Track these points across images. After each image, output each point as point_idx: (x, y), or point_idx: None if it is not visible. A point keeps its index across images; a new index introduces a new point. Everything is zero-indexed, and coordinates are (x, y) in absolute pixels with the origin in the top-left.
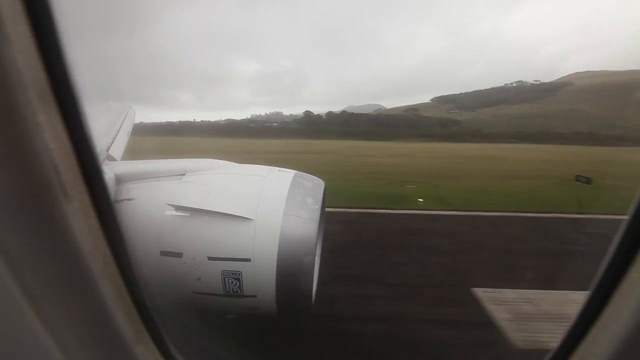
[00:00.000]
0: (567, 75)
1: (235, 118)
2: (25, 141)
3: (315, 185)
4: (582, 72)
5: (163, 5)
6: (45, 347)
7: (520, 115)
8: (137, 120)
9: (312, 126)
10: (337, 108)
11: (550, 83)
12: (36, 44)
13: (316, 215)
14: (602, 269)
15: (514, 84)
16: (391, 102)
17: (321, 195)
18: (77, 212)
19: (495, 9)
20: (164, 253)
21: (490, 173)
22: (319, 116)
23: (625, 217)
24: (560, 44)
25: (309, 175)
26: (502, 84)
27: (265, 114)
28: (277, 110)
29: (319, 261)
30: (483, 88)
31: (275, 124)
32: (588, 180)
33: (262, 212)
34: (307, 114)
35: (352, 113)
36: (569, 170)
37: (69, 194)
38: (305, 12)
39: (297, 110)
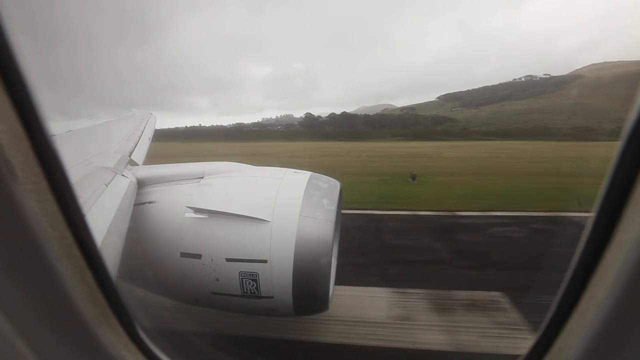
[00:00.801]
0: (582, 67)
1: (244, 122)
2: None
3: (331, 187)
4: (598, 64)
5: (175, 14)
6: (1, 331)
7: (522, 111)
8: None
9: (309, 128)
10: (350, 109)
11: (560, 77)
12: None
13: (332, 217)
14: (576, 259)
15: (523, 79)
16: (402, 101)
17: (337, 196)
18: (31, 193)
19: (509, 0)
20: (184, 254)
21: (379, 170)
22: (317, 118)
23: (591, 212)
24: (579, 35)
25: (325, 176)
26: (511, 79)
27: (276, 117)
28: (288, 113)
29: (335, 262)
30: (491, 84)
31: (270, 127)
32: (413, 177)
33: (278, 214)
34: (308, 116)
35: (345, 114)
36: (480, 167)
37: (19, 175)
38: (314, 14)
39: (311, 112)
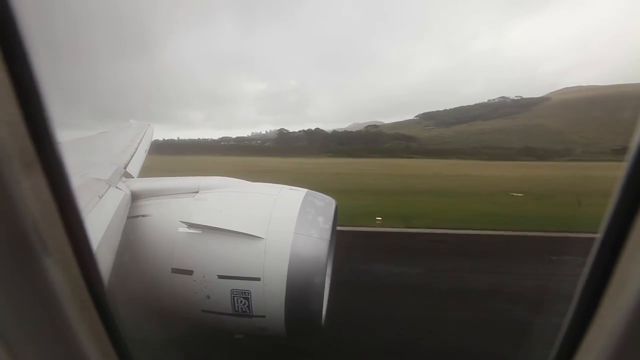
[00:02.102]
0: (556, 90)
1: (231, 136)
2: (7, 206)
3: (326, 205)
4: (572, 87)
5: (172, 30)
6: None
7: (484, 131)
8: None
9: (281, 144)
10: (342, 125)
11: (529, 99)
12: (23, 118)
13: (327, 235)
14: (592, 261)
15: (497, 100)
16: (392, 118)
17: (332, 215)
18: (57, 263)
19: (495, 27)
20: (175, 270)
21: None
22: (289, 134)
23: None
24: (561, 60)
25: (320, 194)
26: (486, 100)
27: (266, 132)
28: (279, 128)
29: (329, 281)
30: (466, 104)
31: (246, 142)
32: None
33: (272, 231)
34: (281, 131)
35: (310, 130)
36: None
37: (49, 248)
38: (308, 33)
39: (304, 127)
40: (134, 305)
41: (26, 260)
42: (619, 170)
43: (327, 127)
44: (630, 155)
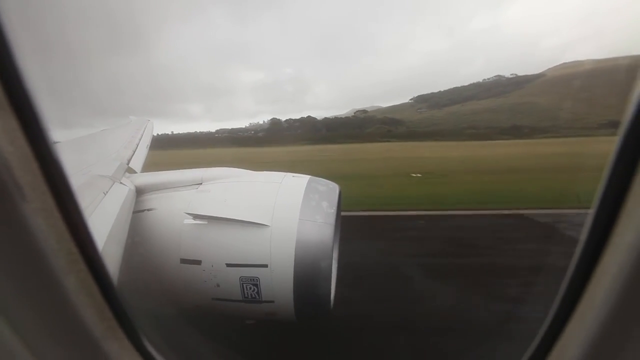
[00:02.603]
0: (554, 66)
1: (226, 128)
2: None
3: (330, 190)
4: (569, 63)
5: (167, 24)
6: (10, 346)
7: (476, 111)
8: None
9: (273, 133)
10: (341, 112)
11: (524, 76)
12: None
13: (332, 219)
14: (575, 260)
15: (492, 79)
16: (389, 102)
17: (336, 199)
18: (38, 211)
19: (492, 4)
20: (184, 261)
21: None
22: (284, 122)
23: (590, 210)
24: (562, 35)
25: (324, 179)
26: (481, 80)
27: (263, 122)
28: (271, 118)
29: (336, 265)
30: (461, 85)
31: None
32: None
33: (277, 218)
34: (273, 121)
35: (303, 118)
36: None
37: (27, 194)
38: (302, 21)
39: (303, 115)
40: (145, 297)
41: (2, 207)
42: (588, 145)
43: (327, 114)
44: (621, 130)
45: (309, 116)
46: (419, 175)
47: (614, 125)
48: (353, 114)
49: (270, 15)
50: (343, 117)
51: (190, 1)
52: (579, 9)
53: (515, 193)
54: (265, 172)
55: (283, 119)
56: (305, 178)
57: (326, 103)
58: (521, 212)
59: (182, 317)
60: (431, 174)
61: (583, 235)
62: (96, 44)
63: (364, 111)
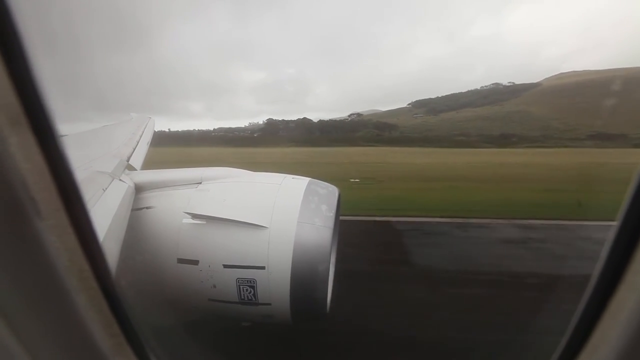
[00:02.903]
0: (552, 76)
1: (223, 126)
2: None
3: (329, 193)
4: (567, 72)
5: (170, 21)
6: None
7: (469, 118)
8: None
9: (268, 134)
10: (343, 114)
11: (520, 85)
12: (7, 71)
13: (330, 223)
14: (603, 259)
15: (490, 86)
16: (389, 106)
17: (335, 203)
18: (52, 228)
19: (496, 12)
20: (181, 260)
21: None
22: (279, 123)
23: (615, 222)
24: (562, 45)
25: (323, 182)
26: (479, 87)
27: (262, 122)
28: (267, 118)
29: (333, 269)
30: (458, 92)
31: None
32: None
33: (276, 220)
34: (269, 122)
35: (299, 120)
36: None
37: (42, 211)
38: (306, 22)
39: (302, 116)
40: (141, 296)
41: (17, 224)
42: (566, 156)
43: (329, 115)
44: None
45: (304, 118)
46: (357, 180)
47: (602, 137)
48: (347, 117)
49: (272, 15)
50: (338, 119)
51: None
52: (581, 20)
53: (429, 201)
54: (265, 173)
55: (280, 119)
56: (305, 180)
57: (328, 105)
58: (417, 219)
59: (190, 333)
60: (371, 179)
61: (612, 235)
62: (99, 40)
63: (359, 114)
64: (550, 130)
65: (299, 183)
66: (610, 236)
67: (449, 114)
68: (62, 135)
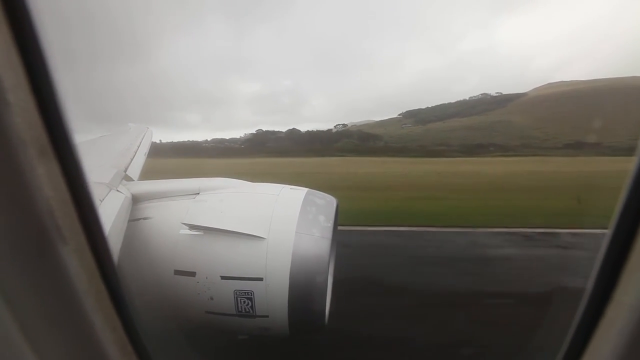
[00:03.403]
0: (540, 86)
1: (216, 137)
2: (24, 191)
3: (327, 203)
4: (555, 83)
5: (167, 34)
6: None
7: (454, 128)
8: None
9: (255, 145)
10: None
11: (507, 95)
12: (35, 104)
13: (329, 233)
14: (600, 260)
15: (478, 97)
16: (382, 117)
17: (333, 213)
18: (73, 252)
19: (488, 23)
20: (178, 272)
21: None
22: (269, 134)
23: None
24: (553, 56)
25: (321, 192)
26: (467, 97)
27: (257, 131)
28: (257, 129)
29: (332, 280)
30: (447, 102)
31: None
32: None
33: (274, 231)
34: (258, 132)
35: (289, 130)
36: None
37: (66, 236)
38: (301, 35)
39: (301, 127)
40: (137, 307)
41: (43, 249)
42: (529, 164)
43: (326, 127)
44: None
45: (293, 129)
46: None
47: (578, 146)
48: (334, 127)
49: (268, 28)
50: (325, 130)
51: (190, 13)
52: (572, 31)
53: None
54: (263, 183)
55: (270, 130)
56: (303, 191)
57: (324, 116)
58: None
59: (188, 340)
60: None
61: (609, 235)
62: (97, 51)
63: (344, 125)
64: (530, 139)
65: (296, 193)
66: (603, 245)
67: (436, 124)
68: (82, 162)
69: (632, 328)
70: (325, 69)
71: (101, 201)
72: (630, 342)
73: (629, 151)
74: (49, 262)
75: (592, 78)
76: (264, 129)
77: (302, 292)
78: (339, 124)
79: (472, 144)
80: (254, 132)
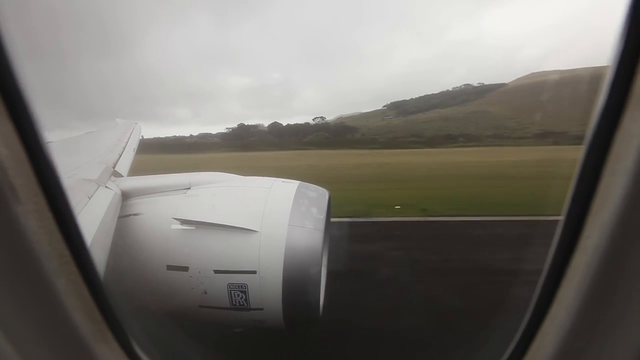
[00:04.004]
0: (524, 75)
1: (193, 133)
2: None
3: (319, 195)
4: (537, 72)
5: (154, 28)
6: (0, 348)
7: (431, 119)
8: None
9: (236, 139)
10: (329, 117)
11: (488, 85)
12: None
13: (321, 225)
14: (548, 262)
15: (461, 87)
16: (372, 109)
17: (326, 205)
18: (31, 213)
19: (478, 13)
20: (171, 267)
21: None
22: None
23: (560, 216)
24: (539, 46)
25: (313, 185)
26: (451, 88)
27: (237, 126)
28: (243, 123)
29: (325, 271)
30: (431, 93)
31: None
32: None
33: (267, 224)
34: (240, 126)
35: (270, 124)
36: None
37: (21, 196)
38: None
39: (292, 120)
40: (130, 304)
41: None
42: (492, 154)
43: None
44: (588, 134)
45: (275, 122)
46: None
47: (547, 135)
48: (312, 120)
49: (256, 21)
50: (303, 123)
51: (177, 6)
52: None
53: None
54: (254, 177)
55: (252, 124)
56: (295, 184)
57: (315, 108)
58: None
59: (172, 321)
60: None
61: (555, 238)
62: (83, 46)
63: (322, 117)
64: (502, 129)
65: (288, 186)
66: (553, 239)
67: (417, 115)
68: (40, 122)
69: (573, 316)
70: (316, 62)
71: (89, 198)
72: (572, 331)
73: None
74: (2, 222)
75: (576, 67)
76: (245, 123)
77: (296, 284)
78: (317, 117)
79: (441, 135)
80: (236, 126)
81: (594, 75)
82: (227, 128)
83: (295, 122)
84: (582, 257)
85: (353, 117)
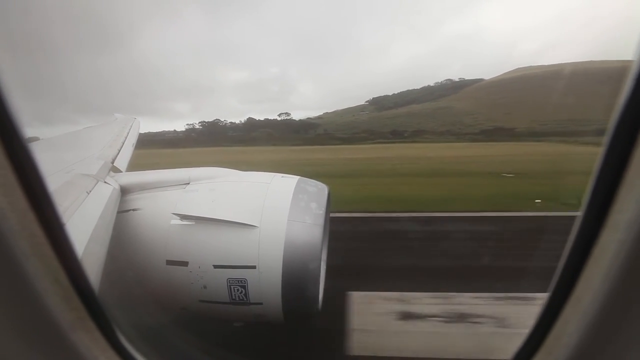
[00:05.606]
0: (508, 71)
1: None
2: None
3: (319, 191)
4: (523, 67)
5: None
6: None
7: (401, 114)
8: None
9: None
10: (328, 111)
11: (466, 80)
12: None
13: (320, 220)
14: (571, 242)
15: (442, 83)
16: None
17: (325, 200)
18: (8, 205)
19: (477, 8)
20: (170, 262)
21: None
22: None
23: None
24: (538, 40)
25: (313, 180)
26: (433, 83)
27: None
28: (215, 119)
29: (324, 266)
30: (412, 88)
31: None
32: None
33: (266, 219)
34: (215, 121)
35: (245, 120)
36: None
37: None
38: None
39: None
40: (130, 299)
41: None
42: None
43: (315, 114)
44: (607, 135)
45: (249, 118)
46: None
47: (495, 132)
48: (278, 116)
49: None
50: (271, 119)
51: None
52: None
53: None
54: (254, 172)
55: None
56: (295, 179)
57: (312, 103)
58: None
59: (163, 313)
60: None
61: (580, 215)
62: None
63: (287, 113)
64: (456, 126)
65: (288, 182)
66: (577, 217)
67: (391, 111)
68: (11, 99)
69: (601, 300)
70: (313, 57)
71: (88, 193)
72: (598, 317)
73: (534, 136)
74: None
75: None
76: (221, 120)
77: (295, 279)
78: (282, 113)
79: (396, 131)
80: (213, 121)
81: (575, 71)
82: (199, 122)
83: (265, 118)
84: (613, 234)
85: (336, 113)
